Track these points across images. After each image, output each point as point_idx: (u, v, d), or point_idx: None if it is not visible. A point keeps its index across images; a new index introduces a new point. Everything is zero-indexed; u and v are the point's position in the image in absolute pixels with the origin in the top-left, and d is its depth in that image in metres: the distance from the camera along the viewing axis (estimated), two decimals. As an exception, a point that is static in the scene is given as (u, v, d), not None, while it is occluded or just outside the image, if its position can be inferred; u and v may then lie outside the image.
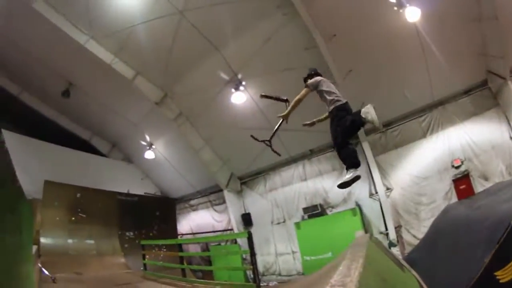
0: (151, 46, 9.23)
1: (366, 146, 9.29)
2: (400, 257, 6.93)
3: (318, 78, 3.76)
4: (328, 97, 3.54)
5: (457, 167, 8.28)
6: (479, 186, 7.87)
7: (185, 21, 8.45)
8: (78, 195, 11.50)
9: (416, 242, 8.06)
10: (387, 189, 9.12)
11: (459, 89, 8.45)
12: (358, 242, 3.89)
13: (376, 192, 9.22)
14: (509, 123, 7.69)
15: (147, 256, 9.77)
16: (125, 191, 13.48)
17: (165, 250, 11.20)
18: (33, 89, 12.54)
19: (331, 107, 3.52)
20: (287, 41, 8.43)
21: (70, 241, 10.64)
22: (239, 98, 9.54)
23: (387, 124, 9.23)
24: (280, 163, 11.39)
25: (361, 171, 9.14)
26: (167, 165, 14.05)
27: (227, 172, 12.46)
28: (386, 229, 8.87)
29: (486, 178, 7.86)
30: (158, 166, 14.43)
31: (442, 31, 7.43)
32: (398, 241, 8.60)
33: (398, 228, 8.81)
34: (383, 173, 9.26)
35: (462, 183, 8.14)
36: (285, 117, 3.78)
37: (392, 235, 8.68)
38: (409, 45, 7.83)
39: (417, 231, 8.40)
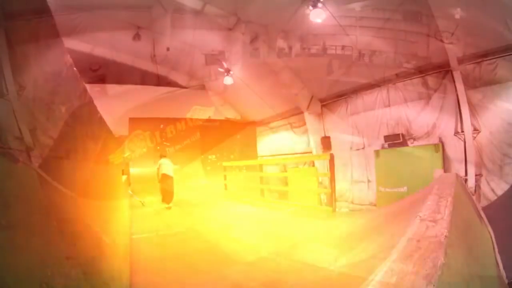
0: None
1: (457, 76, 8.12)
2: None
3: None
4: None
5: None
6: None
7: None
8: (161, 126, 12.99)
9: (493, 197, 7.33)
10: (475, 129, 8.08)
11: None
12: (444, 180, 3.80)
13: (462, 131, 8.31)
14: None
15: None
16: (206, 118, 14.69)
17: (245, 171, 12.37)
18: (103, 42, 12.97)
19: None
20: None
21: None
22: (318, 15, 8.60)
23: (483, 55, 7.73)
24: (363, 87, 10.75)
25: (448, 103, 8.29)
26: (246, 90, 14.29)
27: (308, 94, 12.31)
28: (466, 174, 8.07)
29: None
30: (237, 91, 14.77)
31: None
32: (475, 191, 7.83)
33: (478, 176, 7.94)
34: (473, 111, 8.13)
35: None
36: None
37: (471, 182, 7.88)
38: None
39: (497, 185, 7.51)
